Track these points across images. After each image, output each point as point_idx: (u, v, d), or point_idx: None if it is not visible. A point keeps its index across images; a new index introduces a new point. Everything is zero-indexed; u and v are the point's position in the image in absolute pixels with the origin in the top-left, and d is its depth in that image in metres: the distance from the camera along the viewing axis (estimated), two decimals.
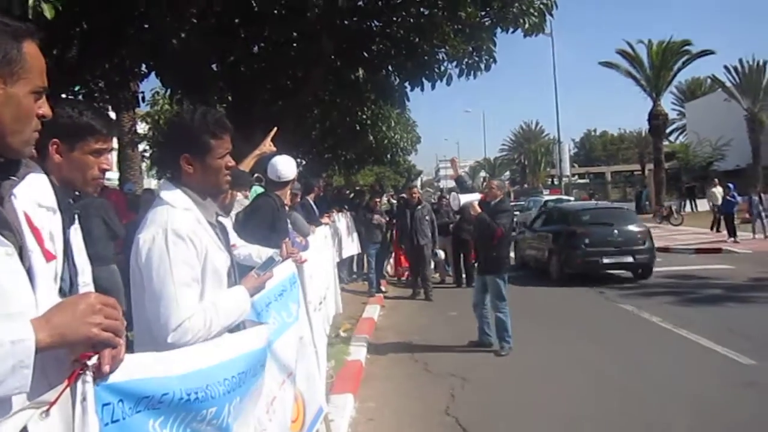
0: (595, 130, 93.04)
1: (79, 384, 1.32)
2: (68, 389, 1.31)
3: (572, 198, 34.27)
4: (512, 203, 13.18)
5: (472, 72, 11.20)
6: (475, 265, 8.11)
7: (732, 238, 19.25)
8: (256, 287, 2.43)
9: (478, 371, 6.67)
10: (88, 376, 1.33)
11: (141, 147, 20.60)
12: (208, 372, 1.77)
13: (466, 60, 11.11)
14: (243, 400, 1.96)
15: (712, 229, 21.73)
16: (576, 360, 7.03)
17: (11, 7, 4.48)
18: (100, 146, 1.97)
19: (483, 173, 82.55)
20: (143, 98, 12.68)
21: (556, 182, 52.37)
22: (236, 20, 9.79)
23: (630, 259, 12.89)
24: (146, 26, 8.60)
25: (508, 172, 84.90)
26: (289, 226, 5.24)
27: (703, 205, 32.96)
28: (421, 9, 10.19)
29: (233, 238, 3.02)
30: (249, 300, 2.33)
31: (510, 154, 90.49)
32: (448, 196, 15.60)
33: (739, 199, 21.15)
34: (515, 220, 10.82)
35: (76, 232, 1.91)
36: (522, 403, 5.69)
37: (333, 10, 9.24)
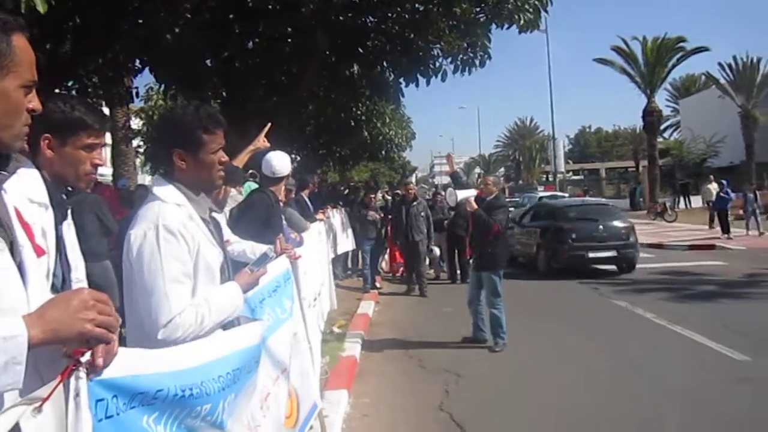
0: (589, 127, 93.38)
1: (72, 380, 1.31)
2: (61, 385, 1.30)
3: (566, 194, 34.33)
4: (507, 199, 13.23)
5: (467, 68, 11.18)
6: (470, 261, 8.10)
7: (725, 235, 19.33)
8: (249, 283, 2.42)
9: (472, 367, 6.69)
10: (82, 372, 1.32)
11: (135, 143, 20.56)
12: (203, 368, 1.76)
13: (461, 56, 11.08)
14: (237, 396, 1.96)
15: (710, 226, 21.71)
16: (570, 356, 7.05)
17: (3, 1, 4.46)
18: (92, 141, 1.96)
19: (478, 169, 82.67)
20: (137, 94, 12.61)
21: (550, 179, 52.43)
22: (230, 15, 9.75)
23: (614, 254, 13.33)
24: (140, 21, 8.56)
25: (502, 169, 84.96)
26: (284, 222, 5.22)
27: (696, 201, 33.09)
28: (416, 5, 10.16)
29: (227, 234, 3.01)
30: (242, 296, 2.32)
31: (505, 150, 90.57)
32: (443, 193, 15.60)
33: (732, 195, 21.22)
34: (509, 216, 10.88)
35: (69, 228, 1.90)
36: (516, 398, 5.70)
37: (328, 6, 9.21)
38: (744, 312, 9.05)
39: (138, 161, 22.15)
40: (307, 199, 9.06)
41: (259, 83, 11.06)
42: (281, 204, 5.10)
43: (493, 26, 10.59)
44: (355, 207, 12.86)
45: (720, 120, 39.30)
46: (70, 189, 1.99)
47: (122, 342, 1.69)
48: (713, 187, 22.50)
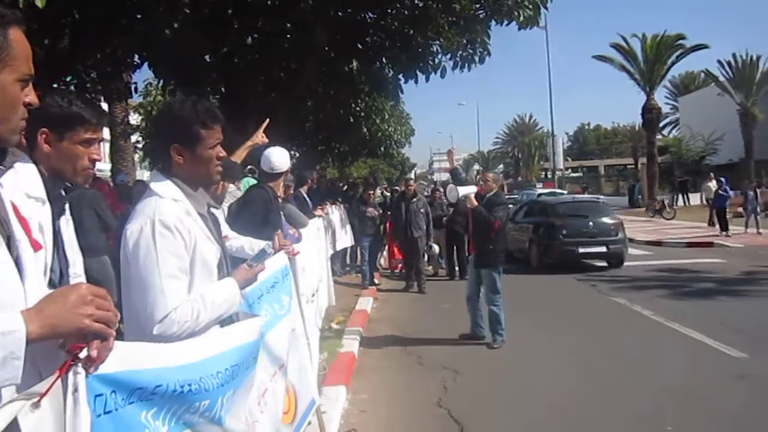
0: (588, 124, 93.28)
1: (71, 375, 1.31)
2: (59, 380, 1.30)
3: (565, 191, 34.33)
4: (506, 196, 13.28)
5: (466, 65, 11.17)
6: (469, 258, 8.09)
7: (724, 232, 19.34)
8: (247, 279, 2.42)
9: (470, 364, 6.69)
10: (80, 367, 1.32)
11: (133, 138, 20.53)
12: (202, 364, 1.76)
13: (460, 52, 11.07)
14: (236, 392, 1.96)
15: (710, 223, 21.67)
16: (568, 352, 7.06)
17: None
18: (90, 136, 1.95)
19: (476, 166, 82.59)
20: (136, 89, 12.60)
21: (549, 176, 52.43)
22: (229, 11, 9.73)
23: (604, 249, 13.76)
24: (139, 16, 8.54)
25: (501, 165, 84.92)
26: (282, 218, 5.22)
27: (695, 199, 33.15)
28: (416, 1, 10.15)
29: (225, 229, 3.00)
30: (239, 292, 2.31)
31: (504, 147, 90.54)
32: (441, 189, 15.62)
33: (731, 193, 21.22)
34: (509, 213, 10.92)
35: (67, 224, 1.90)
36: (514, 395, 5.71)
37: (326, 2, 9.20)
38: (741, 309, 9.06)
39: (136, 157, 22.12)
40: (305, 195, 9.05)
41: (258, 79, 11.04)
42: (280, 200, 5.09)
43: (493, 23, 10.58)
44: (353, 203, 12.86)
45: (719, 117, 39.31)
46: (69, 185, 1.99)
47: (120, 337, 1.69)
48: (713, 184, 22.51)
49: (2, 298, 1.37)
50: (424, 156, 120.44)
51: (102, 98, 10.97)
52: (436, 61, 11.31)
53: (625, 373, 6.22)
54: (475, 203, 7.36)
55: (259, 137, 4.63)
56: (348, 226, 12.17)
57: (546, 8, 10.56)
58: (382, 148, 28.36)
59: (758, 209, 19.80)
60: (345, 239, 12.06)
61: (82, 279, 1.91)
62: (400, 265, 13.31)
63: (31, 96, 1.48)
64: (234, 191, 5.31)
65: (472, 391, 5.85)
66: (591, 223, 13.90)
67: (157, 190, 2.21)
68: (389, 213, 13.17)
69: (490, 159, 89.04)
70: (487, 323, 7.51)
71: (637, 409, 5.21)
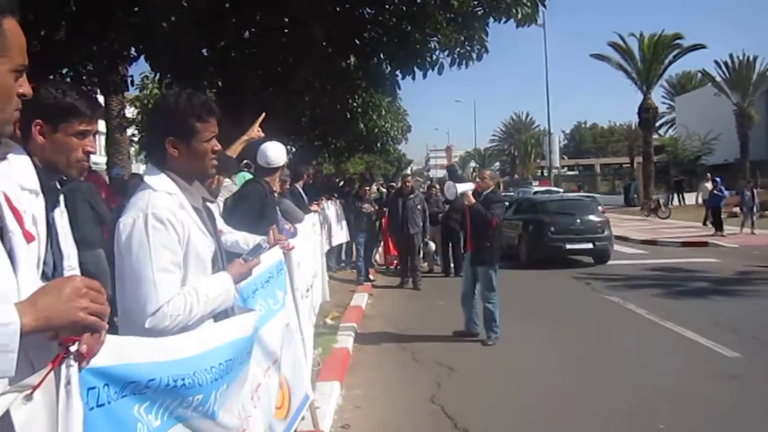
0: (585, 122, 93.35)
1: (63, 368, 1.31)
2: (52, 373, 1.30)
3: (561, 189, 34.39)
4: (503, 194, 13.34)
5: (463, 61, 11.16)
6: (464, 255, 8.09)
7: (719, 232, 19.39)
8: (242, 274, 2.41)
9: (464, 360, 6.70)
10: (72, 360, 1.32)
11: (129, 131, 20.43)
12: (196, 359, 1.76)
13: (458, 49, 11.06)
14: (230, 387, 1.96)
15: (704, 223, 21.72)
16: (561, 350, 7.08)
17: None
18: (85, 128, 1.93)
19: (473, 163, 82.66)
20: (132, 82, 12.55)
21: (545, 173, 52.49)
22: (227, 5, 9.70)
23: (590, 246, 14.22)
24: (136, 9, 8.50)
25: (498, 163, 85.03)
26: (278, 213, 5.21)
27: (690, 198, 33.22)
28: None
29: (219, 224, 2.99)
30: (233, 287, 2.30)
31: (500, 144, 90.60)
32: (437, 186, 15.66)
33: (726, 193, 21.27)
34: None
35: (61, 216, 1.88)
36: (508, 392, 5.72)
37: None
38: (735, 309, 9.08)
39: (132, 150, 22.03)
40: (301, 190, 9.04)
41: (255, 73, 11.01)
42: (276, 195, 5.08)
43: (491, 20, 10.57)
44: (349, 199, 12.85)
45: (715, 118, 39.40)
46: (64, 177, 1.97)
47: (114, 330, 1.68)
48: (710, 185, 22.57)
49: None
50: (421, 153, 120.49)
51: (98, 91, 10.92)
52: (434, 57, 11.29)
53: (619, 372, 6.24)
54: (473, 200, 7.35)
55: (255, 131, 4.62)
56: (344, 222, 12.16)
57: (544, 6, 10.57)
58: (379, 144, 28.32)
59: (755, 209, 19.86)
60: (341, 235, 12.06)
61: (77, 272, 1.90)
62: (395, 262, 13.31)
63: (25, 87, 1.47)
64: (230, 186, 5.30)
65: (465, 388, 5.86)
66: (578, 221, 14.38)
67: (151, 183, 2.20)
68: (385, 209, 13.17)
69: (487, 156, 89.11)
70: (481, 320, 7.52)
71: (629, 407, 5.23)
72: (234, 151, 4.65)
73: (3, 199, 1.47)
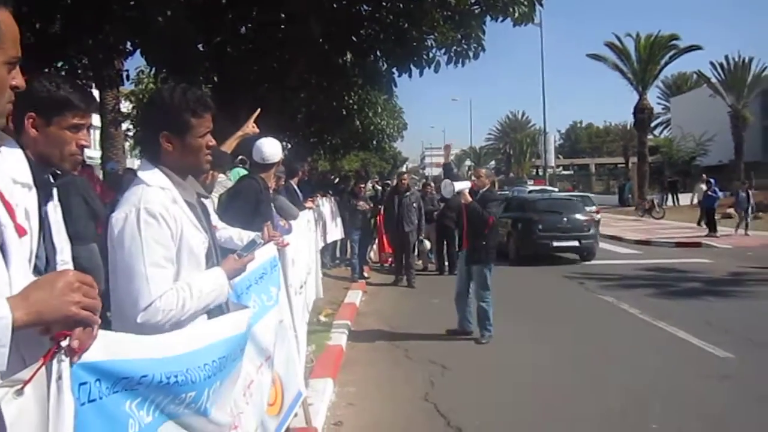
0: (581, 122, 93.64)
1: (55, 362, 1.30)
2: (43, 368, 1.29)
3: (556, 189, 34.46)
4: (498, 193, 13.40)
5: (460, 60, 11.15)
6: (459, 253, 8.08)
7: (712, 233, 19.44)
8: (236, 269, 2.40)
9: (458, 359, 6.71)
10: (64, 355, 1.31)
11: (124, 126, 20.38)
12: (190, 356, 1.76)
13: (454, 47, 11.05)
14: (222, 384, 1.95)
15: (699, 223, 21.75)
16: (555, 349, 7.09)
17: None
18: (78, 121, 1.92)
19: (468, 162, 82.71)
20: (127, 76, 12.49)
21: (540, 173, 52.59)
22: (223, 0, 9.67)
23: (576, 243, 14.74)
24: (131, 2, 8.47)
25: (493, 162, 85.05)
26: (273, 209, 5.20)
27: (684, 199, 33.33)
28: None
29: (214, 220, 2.98)
30: (227, 282, 2.29)
31: (496, 143, 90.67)
32: (432, 184, 15.68)
33: (720, 194, 21.33)
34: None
35: (55, 210, 1.87)
36: (501, 390, 5.73)
37: None
38: (728, 309, 9.12)
39: (127, 145, 21.96)
40: (296, 187, 9.01)
41: (251, 69, 10.97)
42: (271, 191, 5.07)
43: (488, 18, 10.56)
44: (344, 196, 12.84)
45: (710, 119, 39.57)
46: (58, 172, 1.96)
47: (108, 326, 1.68)
48: (705, 186, 22.62)
49: None
50: (416, 150, 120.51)
51: (93, 85, 10.87)
52: (431, 55, 11.28)
53: (612, 371, 6.26)
54: (470, 199, 7.34)
55: (250, 127, 4.61)
56: (338, 219, 12.16)
57: (541, 5, 10.56)
58: (375, 142, 28.35)
59: (749, 210, 19.93)
60: (335, 232, 12.05)
61: (70, 266, 1.89)
62: (389, 259, 13.31)
63: (18, 79, 1.46)
64: (224, 181, 5.29)
65: (459, 386, 5.87)
66: (565, 219, 14.85)
67: (144, 178, 2.20)
68: (380, 206, 13.17)
69: (482, 155, 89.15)
70: (475, 319, 7.52)
71: (622, 406, 5.24)
72: (228, 146, 4.64)
73: None
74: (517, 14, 9.95)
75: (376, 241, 14.34)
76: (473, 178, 7.95)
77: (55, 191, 1.90)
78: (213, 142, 2.32)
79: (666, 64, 38.13)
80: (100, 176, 13.56)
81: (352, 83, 14.57)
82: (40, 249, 1.65)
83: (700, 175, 26.42)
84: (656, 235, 20.44)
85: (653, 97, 50.64)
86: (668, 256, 15.71)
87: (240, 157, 6.96)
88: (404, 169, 59.27)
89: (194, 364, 1.76)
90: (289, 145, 22.03)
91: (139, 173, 2.23)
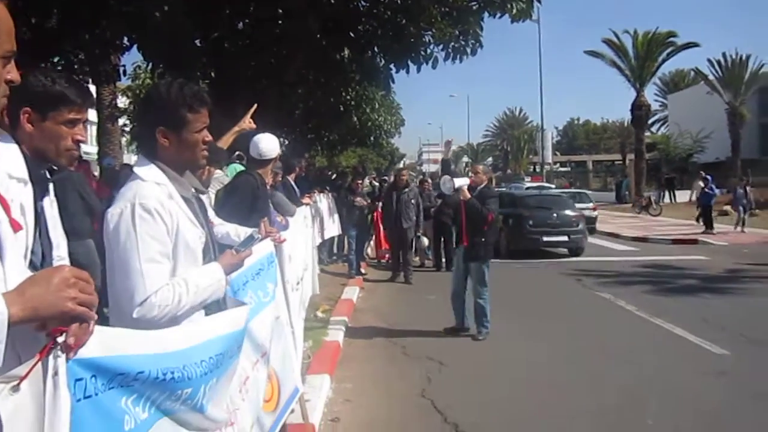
0: (578, 119, 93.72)
1: (51, 358, 1.29)
2: (39, 364, 1.29)
3: (553, 186, 34.50)
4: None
5: (458, 56, 11.14)
6: (456, 250, 8.06)
7: (709, 230, 19.47)
8: (233, 264, 2.39)
9: (455, 355, 6.71)
10: (60, 351, 1.30)
11: (121, 121, 20.32)
12: (186, 352, 1.75)
13: (452, 44, 11.04)
14: (219, 380, 1.95)
15: (697, 220, 21.75)
16: (552, 346, 7.10)
17: None
18: (74, 116, 1.91)
19: (466, 158, 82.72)
20: (124, 72, 12.47)
21: (538, 169, 52.62)
22: None
23: (565, 239, 15.21)
24: None
25: (490, 158, 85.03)
26: (270, 206, 5.19)
27: (681, 196, 33.40)
28: None
29: (210, 215, 2.98)
30: (224, 277, 2.29)
31: (493, 140, 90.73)
32: (430, 180, 15.69)
33: (717, 191, 21.36)
34: None
35: (51, 205, 1.86)
36: (498, 387, 5.73)
37: None
38: (724, 306, 9.14)
39: (124, 140, 21.91)
40: (293, 183, 9.01)
41: (248, 65, 10.95)
42: (269, 187, 5.06)
43: (486, 14, 10.55)
44: (342, 192, 12.83)
45: (707, 116, 39.60)
46: (54, 167, 1.95)
47: (105, 321, 1.67)
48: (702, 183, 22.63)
49: None
50: (414, 147, 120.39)
51: (90, 80, 10.84)
52: (428, 51, 11.27)
53: (608, 367, 6.27)
54: (468, 195, 7.32)
55: (247, 122, 4.60)
56: (336, 215, 12.15)
57: (539, 1, 10.56)
58: (372, 138, 28.33)
59: (747, 207, 19.95)
60: (332, 228, 12.04)
61: (66, 262, 1.88)
62: (387, 255, 13.32)
63: (12, 73, 1.45)
64: (221, 177, 5.28)
65: (455, 382, 5.87)
66: (555, 215, 15.27)
67: (140, 173, 2.19)
68: (378, 203, 13.18)
69: (480, 151, 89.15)
70: (472, 315, 7.52)
71: (618, 402, 5.25)
72: (225, 142, 4.63)
73: None
74: (515, 10, 9.95)
75: (373, 237, 14.34)
76: (471, 174, 7.93)
77: (51, 186, 1.89)
78: (209, 138, 2.31)
79: (663, 61, 38.18)
80: (97, 172, 13.54)
81: (350, 79, 14.55)
82: (36, 244, 1.64)
83: (698, 172, 26.45)
84: (653, 232, 20.48)
85: (651, 94, 50.70)
86: (665, 253, 15.75)
87: (237, 153, 6.94)
88: (401, 166, 59.26)
89: (191, 360, 1.75)
90: (287, 141, 22.02)
91: (135, 169, 2.22)
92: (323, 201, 11.37)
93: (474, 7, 10.49)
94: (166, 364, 1.63)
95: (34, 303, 1.27)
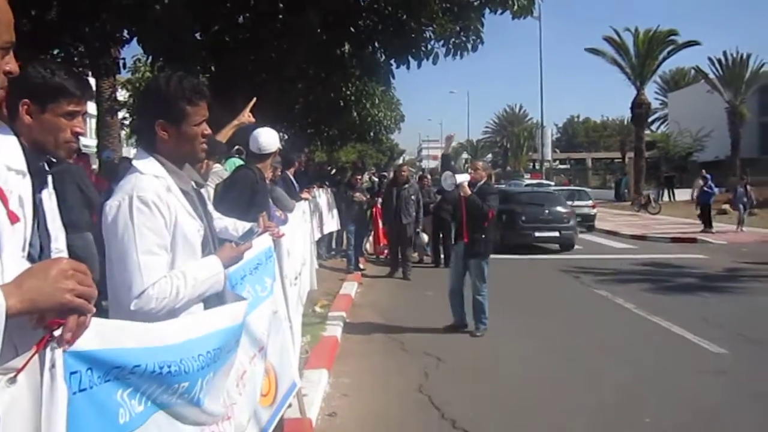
0: (578, 117, 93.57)
1: (48, 351, 1.29)
2: (37, 356, 1.28)
3: (553, 183, 34.50)
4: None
5: (458, 52, 11.13)
6: (454, 246, 8.05)
7: (708, 229, 19.48)
8: (232, 257, 2.39)
9: (452, 351, 6.71)
10: (57, 343, 1.30)
11: (120, 114, 20.31)
12: (184, 346, 1.75)
13: (453, 40, 11.03)
14: (216, 375, 1.95)
15: (700, 218, 21.69)
16: (549, 343, 7.10)
17: None
18: (73, 108, 1.90)
19: (465, 155, 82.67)
20: (124, 65, 12.47)
21: (537, 167, 52.59)
22: None
23: (556, 234, 15.65)
24: None
25: (490, 155, 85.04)
26: (270, 200, 5.18)
27: (680, 195, 33.41)
28: None
29: (209, 209, 2.97)
30: (222, 270, 2.29)
31: (493, 136, 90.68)
32: (429, 176, 15.68)
33: (716, 190, 21.36)
34: None
35: (50, 198, 1.86)
36: (495, 383, 5.74)
37: None
38: (723, 305, 9.15)
39: (123, 133, 21.90)
40: (292, 178, 8.99)
41: (249, 59, 10.94)
42: (268, 182, 5.05)
43: (487, 11, 10.54)
44: (341, 188, 12.82)
45: (707, 115, 39.60)
46: (53, 160, 1.94)
47: (104, 314, 1.66)
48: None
49: None
50: (414, 142, 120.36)
51: (89, 73, 10.83)
52: (429, 47, 11.26)
53: (605, 365, 6.27)
54: (469, 192, 7.29)
55: (246, 116, 4.58)
56: (335, 211, 12.14)
57: None
58: (372, 134, 28.31)
59: (747, 206, 19.95)
60: (331, 223, 12.04)
61: (65, 255, 1.88)
62: (385, 251, 13.32)
63: (11, 64, 1.44)
64: (220, 171, 5.27)
65: (453, 378, 5.88)
66: (546, 211, 15.68)
67: (138, 166, 2.19)
68: (377, 198, 13.17)
69: (479, 148, 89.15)
70: (470, 311, 7.51)
71: (616, 400, 5.26)
72: (224, 135, 4.61)
73: None
74: (516, 7, 9.94)
75: (372, 232, 14.34)
76: (470, 171, 7.90)
77: (50, 179, 1.88)
78: (208, 131, 2.31)
79: (664, 59, 38.15)
80: (96, 165, 13.52)
81: (350, 74, 14.53)
82: (34, 237, 1.64)
83: (699, 170, 26.44)
84: (652, 230, 20.49)
85: (651, 92, 50.69)
86: (664, 252, 15.76)
87: (236, 147, 6.93)
88: (401, 161, 59.23)
89: (189, 354, 1.75)
90: (286, 136, 21.98)
91: (134, 162, 2.23)
92: (322, 196, 11.36)
93: (475, 3, 10.48)
94: (163, 358, 1.63)
95: (31, 295, 1.26)
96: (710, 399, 5.33)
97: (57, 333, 1.29)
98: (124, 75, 19.05)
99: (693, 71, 49.13)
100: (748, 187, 20.35)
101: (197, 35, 10.54)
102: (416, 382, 5.67)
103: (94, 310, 1.37)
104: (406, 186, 11.84)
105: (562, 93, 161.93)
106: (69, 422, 1.30)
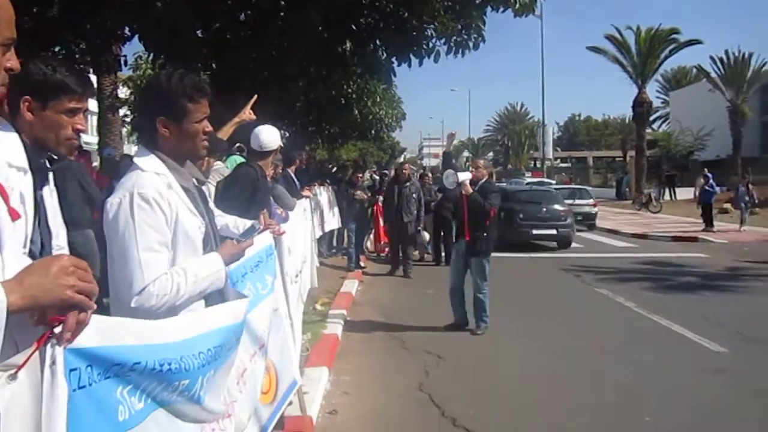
0: (579, 115, 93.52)
1: (48, 347, 1.29)
2: (37, 352, 1.28)
3: (554, 181, 34.49)
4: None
5: (460, 50, 11.10)
6: (455, 244, 8.04)
7: (709, 228, 19.47)
8: (233, 255, 2.39)
9: (453, 349, 6.72)
10: (57, 340, 1.30)
11: (122, 112, 20.29)
12: (184, 344, 1.74)
13: (454, 37, 10.99)
14: (217, 373, 1.95)
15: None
16: (549, 341, 7.10)
17: None
18: (74, 105, 1.90)
19: (466, 153, 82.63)
20: (125, 62, 12.44)
21: (538, 165, 52.57)
22: None
23: (554, 232, 15.85)
24: None
25: (491, 153, 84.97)
26: (271, 198, 5.18)
27: (681, 193, 33.38)
28: None
29: (210, 206, 2.97)
30: (223, 268, 2.29)
31: (494, 135, 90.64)
32: (430, 174, 15.67)
33: (717, 189, 21.34)
34: None
35: (51, 194, 1.86)
36: (496, 382, 5.74)
37: None
38: (723, 304, 9.14)
39: (124, 131, 21.88)
40: (293, 176, 8.99)
41: (250, 57, 10.92)
42: (270, 180, 5.05)
43: (489, 9, 10.51)
44: (342, 185, 12.81)
45: (709, 113, 39.56)
46: (54, 157, 1.95)
47: (105, 311, 1.66)
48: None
49: None
50: (415, 140, 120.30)
51: (91, 70, 10.82)
52: (430, 45, 11.22)
53: (606, 364, 6.27)
54: (471, 190, 7.28)
55: (247, 114, 4.58)
56: (335, 208, 12.14)
57: None
58: (373, 131, 28.29)
59: (749, 204, 19.94)
60: (332, 221, 12.05)
61: (66, 251, 1.88)
62: (386, 249, 13.32)
63: (12, 61, 1.44)
64: (221, 169, 5.27)
65: (453, 377, 5.88)
66: (544, 209, 15.83)
67: (139, 163, 2.20)
68: (378, 196, 13.16)
69: (480, 146, 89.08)
70: (471, 309, 7.51)
71: (616, 398, 5.26)
72: (225, 133, 4.61)
73: None
74: (518, 5, 9.90)
75: (373, 230, 14.34)
76: (472, 169, 7.89)
77: (51, 176, 1.88)
78: (210, 128, 2.31)
79: (666, 57, 38.01)
80: (98, 162, 13.52)
81: (352, 72, 14.49)
82: (35, 233, 1.64)
83: (700, 169, 26.42)
84: (653, 229, 20.48)
85: (652, 90, 50.72)
86: (665, 250, 15.75)
87: (237, 144, 6.93)
88: (402, 159, 59.22)
89: (189, 352, 1.75)
90: (287, 134, 21.97)
91: (135, 159, 2.23)
92: (323, 194, 11.37)
93: (477, 1, 10.44)
94: (163, 355, 1.63)
95: (32, 291, 1.26)
96: (710, 398, 5.33)
97: (57, 330, 1.29)
98: (125, 72, 19.02)
99: (695, 70, 49.03)
100: (750, 186, 20.34)
101: (198, 33, 10.52)
102: (417, 380, 5.68)
103: (95, 306, 1.37)
104: (408, 184, 11.84)
105: (564, 91, 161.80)
106: (69, 419, 1.30)
